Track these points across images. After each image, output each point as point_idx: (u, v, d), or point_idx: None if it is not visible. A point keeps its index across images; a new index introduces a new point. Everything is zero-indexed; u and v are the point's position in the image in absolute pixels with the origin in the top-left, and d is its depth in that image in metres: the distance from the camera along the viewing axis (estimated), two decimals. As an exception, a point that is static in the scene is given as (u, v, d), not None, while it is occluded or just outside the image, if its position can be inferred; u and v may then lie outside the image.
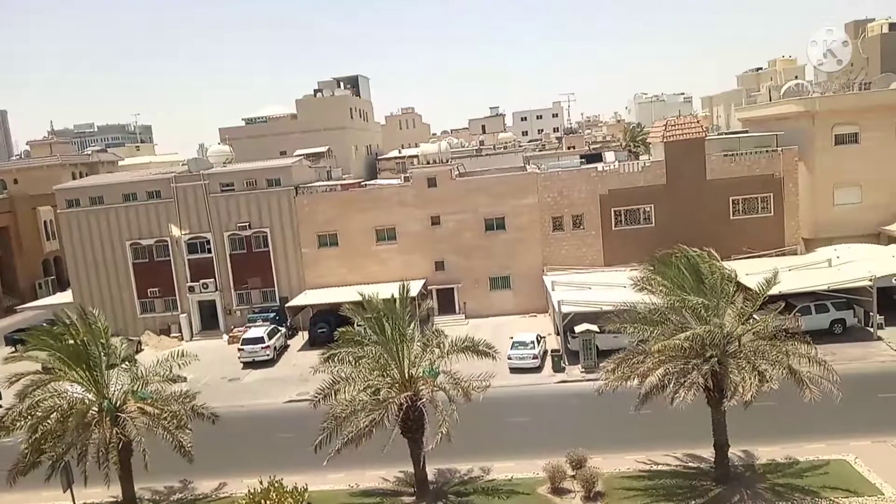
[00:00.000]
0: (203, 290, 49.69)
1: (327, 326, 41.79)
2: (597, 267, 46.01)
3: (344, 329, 24.18)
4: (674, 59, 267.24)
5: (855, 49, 70.45)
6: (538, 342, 37.53)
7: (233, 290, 49.98)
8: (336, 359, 23.42)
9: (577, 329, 35.83)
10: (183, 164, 59.37)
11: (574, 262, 46.90)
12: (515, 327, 43.07)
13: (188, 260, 49.92)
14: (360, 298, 24.32)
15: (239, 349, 42.49)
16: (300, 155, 57.99)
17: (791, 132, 47.89)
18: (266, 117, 72.12)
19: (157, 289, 50.43)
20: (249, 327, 45.43)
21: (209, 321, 50.63)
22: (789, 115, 50.02)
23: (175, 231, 49.36)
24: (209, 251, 49.79)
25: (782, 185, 45.73)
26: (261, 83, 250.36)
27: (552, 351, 36.86)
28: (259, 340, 42.08)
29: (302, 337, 46.02)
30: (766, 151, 46.32)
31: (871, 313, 36.61)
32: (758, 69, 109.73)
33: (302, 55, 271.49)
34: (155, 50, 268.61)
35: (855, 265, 39.34)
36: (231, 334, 47.78)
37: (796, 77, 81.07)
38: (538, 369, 36.29)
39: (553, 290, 41.41)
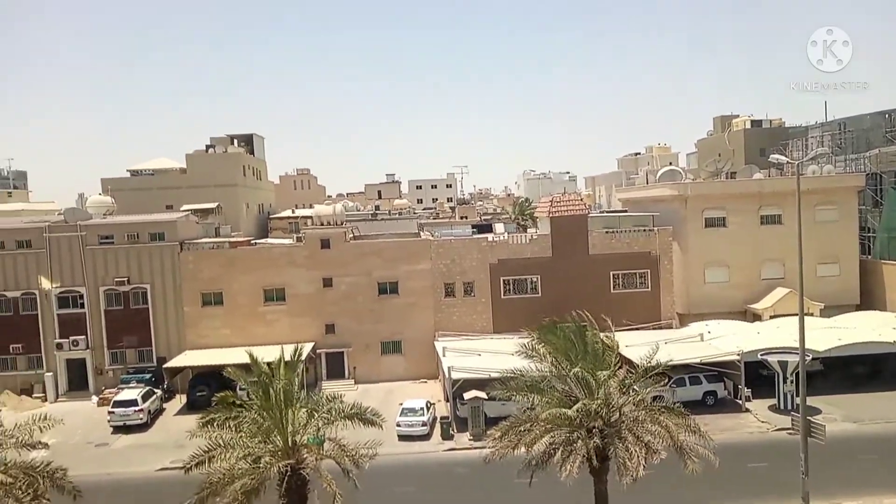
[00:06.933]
0: (73, 348, 46.31)
1: (207, 389, 39.69)
2: (486, 334, 46.74)
3: (224, 393, 23.12)
4: (560, 140, 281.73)
5: (722, 141, 77.18)
6: (427, 409, 37.30)
7: (106, 349, 46.95)
8: (215, 424, 22.24)
9: (467, 396, 35.99)
10: (59, 214, 56.09)
11: (465, 328, 47.44)
12: (405, 393, 42.71)
13: (58, 315, 46.61)
14: (244, 361, 23.44)
15: (109, 412, 39.73)
16: (187, 210, 56.23)
17: (666, 213, 51.30)
18: (153, 170, 69.62)
19: (19, 345, 46.57)
20: (122, 388, 42.67)
21: (78, 381, 47.02)
22: (664, 198, 53.73)
23: (45, 283, 46.17)
24: (82, 306, 46.76)
25: (658, 262, 48.60)
26: (150, 135, 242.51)
27: (441, 418, 36.71)
28: (132, 403, 39.58)
29: (180, 400, 43.63)
30: (644, 230, 49.27)
31: (739, 386, 38.98)
32: (636, 154, 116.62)
33: (194, 109, 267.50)
34: (30, 93, 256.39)
35: (724, 340, 42.03)
36: (101, 396, 44.62)
37: (670, 163, 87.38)
38: (427, 437, 35.98)
39: (444, 355, 41.58)
